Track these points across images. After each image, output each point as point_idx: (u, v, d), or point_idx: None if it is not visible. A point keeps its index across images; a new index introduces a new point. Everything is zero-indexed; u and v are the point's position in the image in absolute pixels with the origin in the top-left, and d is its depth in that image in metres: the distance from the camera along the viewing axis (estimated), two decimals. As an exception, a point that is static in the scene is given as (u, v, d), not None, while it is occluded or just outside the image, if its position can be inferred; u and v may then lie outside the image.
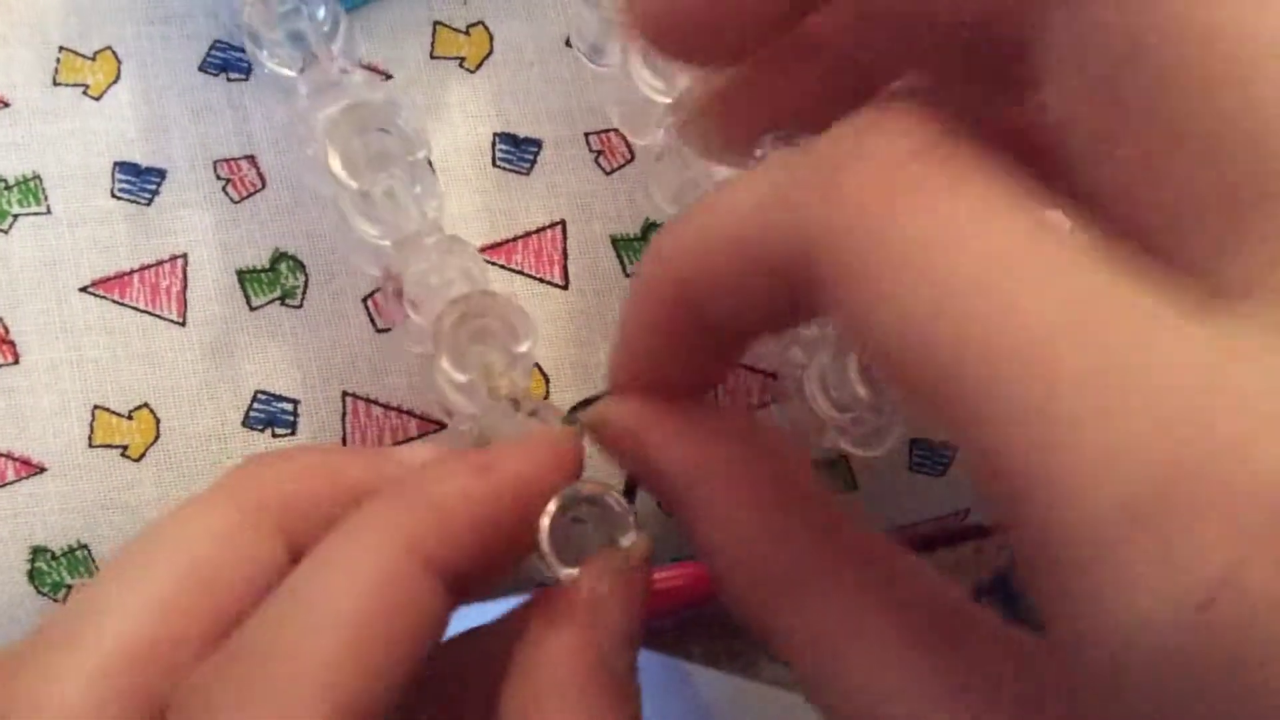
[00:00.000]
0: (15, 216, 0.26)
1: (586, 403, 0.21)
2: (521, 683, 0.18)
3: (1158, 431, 0.11)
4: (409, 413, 0.26)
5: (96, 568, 0.25)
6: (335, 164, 0.23)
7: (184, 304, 0.26)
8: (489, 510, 0.18)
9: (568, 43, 0.28)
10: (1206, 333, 0.12)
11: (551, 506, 0.18)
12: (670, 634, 1.03)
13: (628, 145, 0.27)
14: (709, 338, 0.18)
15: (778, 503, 0.18)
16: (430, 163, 0.27)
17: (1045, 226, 0.13)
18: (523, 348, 0.23)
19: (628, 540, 0.19)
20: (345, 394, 0.26)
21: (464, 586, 0.18)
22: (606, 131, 0.27)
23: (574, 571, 0.18)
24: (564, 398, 0.26)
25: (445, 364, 0.22)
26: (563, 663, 0.18)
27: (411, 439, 0.26)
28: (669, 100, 0.24)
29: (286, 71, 0.24)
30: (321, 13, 0.24)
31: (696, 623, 1.04)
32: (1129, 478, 0.11)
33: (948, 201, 0.13)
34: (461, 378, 0.22)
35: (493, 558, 0.19)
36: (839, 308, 0.14)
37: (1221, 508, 0.11)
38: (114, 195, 0.26)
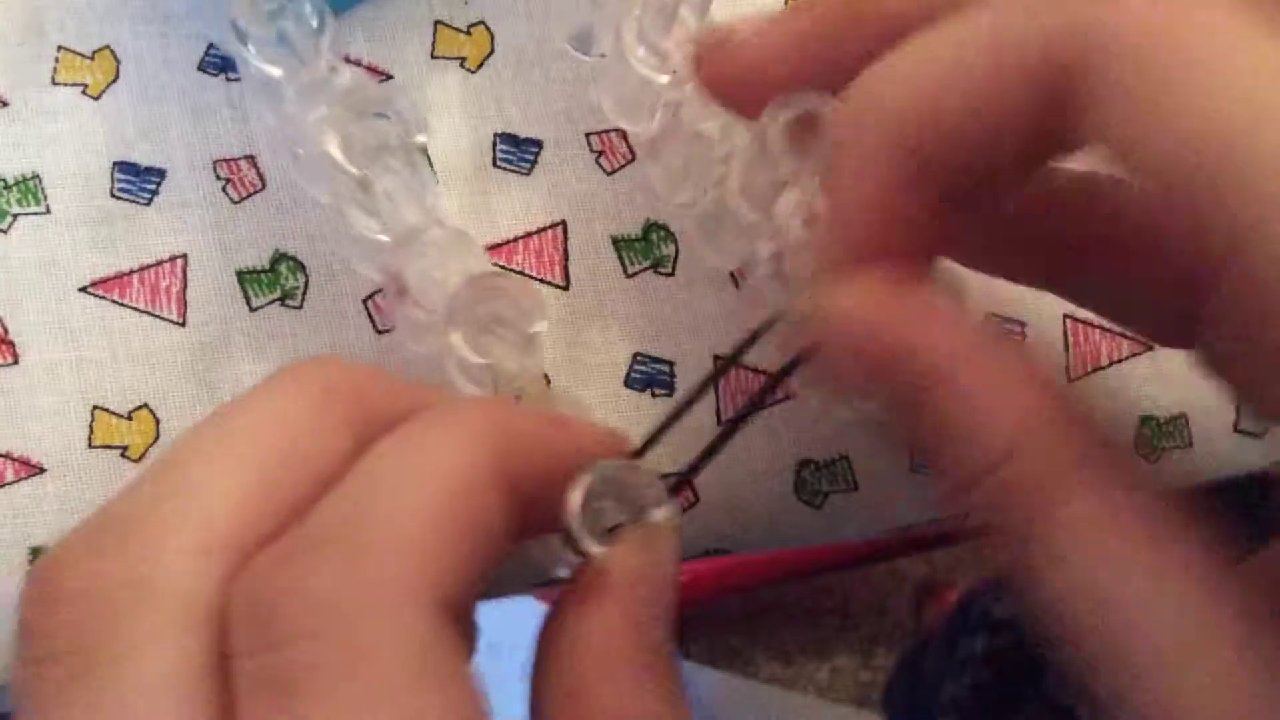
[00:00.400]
0: (14, 216, 0.26)
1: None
2: (566, 663, 0.17)
3: None
4: (409, 413, 0.26)
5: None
6: (334, 149, 0.22)
7: (184, 304, 0.26)
8: (555, 454, 0.18)
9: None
10: None
11: (583, 480, 0.18)
12: (669, 633, 1.03)
13: (628, 145, 0.27)
14: (935, 192, 0.16)
15: (1048, 394, 0.16)
16: (428, 156, 0.27)
17: None
18: (537, 327, 0.22)
19: (661, 514, 0.18)
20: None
21: (530, 506, 0.17)
22: (607, 132, 0.27)
23: (603, 549, 0.18)
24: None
25: (458, 341, 0.21)
26: (605, 639, 0.17)
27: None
28: (665, 79, 0.23)
29: (273, 70, 0.23)
30: (308, 8, 0.23)
31: (695, 622, 1.04)
32: None
33: (1250, 27, 0.12)
34: (477, 359, 0.22)
35: (543, 509, 0.18)
36: (1113, 124, 0.13)
37: None
38: (113, 195, 0.26)
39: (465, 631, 0.16)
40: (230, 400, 0.18)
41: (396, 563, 0.15)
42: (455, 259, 0.23)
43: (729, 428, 0.21)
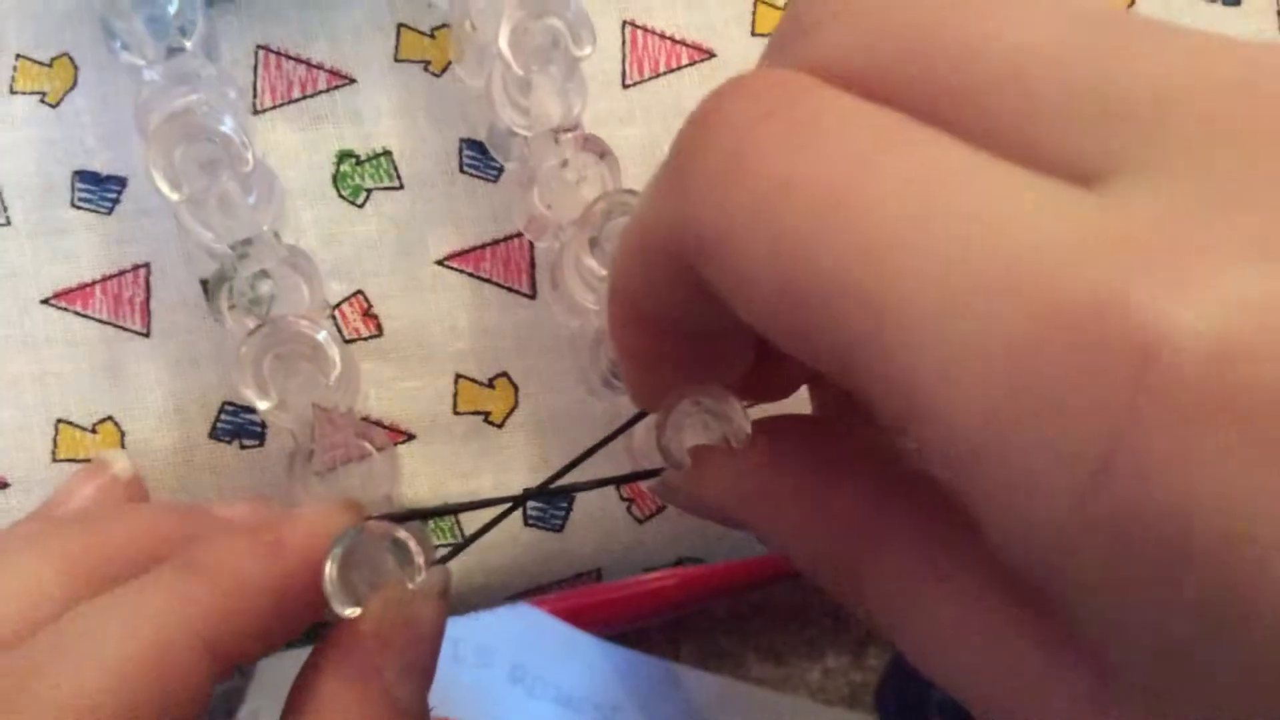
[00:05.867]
0: (-26, 227, 0.26)
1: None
2: (308, 718, 0.18)
3: (1019, 301, 0.11)
4: (377, 422, 0.26)
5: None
6: (156, 176, 0.22)
7: (148, 314, 0.26)
8: (278, 592, 0.19)
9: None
10: (1070, 202, 0.11)
11: (337, 551, 0.19)
12: (659, 635, 1.03)
13: (596, 150, 0.27)
14: (676, 339, 0.18)
15: (830, 494, 0.17)
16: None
17: (893, 139, 0.13)
18: (331, 379, 0.22)
19: (415, 580, 0.19)
20: (313, 404, 0.26)
21: (241, 655, 0.18)
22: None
23: (353, 610, 0.19)
24: (533, 406, 0.26)
25: (249, 396, 0.22)
26: (344, 697, 0.18)
27: (381, 449, 0.26)
28: (528, 134, 0.24)
29: (137, 60, 0.23)
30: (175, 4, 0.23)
31: (685, 623, 1.04)
32: (991, 369, 0.11)
33: (778, 154, 0.13)
34: (264, 404, 0.22)
35: (280, 628, 0.19)
36: (712, 282, 0.14)
37: (1097, 370, 0.10)
38: (74, 205, 0.26)
39: None
40: None
41: (53, 711, 0.15)
42: (290, 284, 0.23)
43: (504, 511, 0.21)
